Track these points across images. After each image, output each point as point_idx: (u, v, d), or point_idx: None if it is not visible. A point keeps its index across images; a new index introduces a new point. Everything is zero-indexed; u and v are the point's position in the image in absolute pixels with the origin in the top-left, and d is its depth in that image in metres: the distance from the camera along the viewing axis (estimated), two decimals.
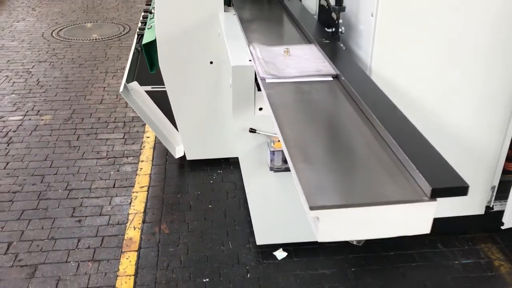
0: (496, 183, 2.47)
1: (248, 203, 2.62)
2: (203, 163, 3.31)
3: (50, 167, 3.28)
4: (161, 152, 3.48)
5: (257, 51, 2.01)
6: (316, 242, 1.75)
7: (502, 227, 2.44)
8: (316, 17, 2.55)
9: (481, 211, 2.54)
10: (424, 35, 2.03)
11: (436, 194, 1.11)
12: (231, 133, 3.03)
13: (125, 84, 3.07)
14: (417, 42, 2.05)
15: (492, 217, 2.53)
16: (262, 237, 2.52)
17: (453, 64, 2.12)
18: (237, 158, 3.19)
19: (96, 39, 5.82)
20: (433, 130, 2.22)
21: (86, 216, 2.82)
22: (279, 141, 1.66)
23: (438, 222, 2.44)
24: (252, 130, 2.18)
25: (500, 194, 2.50)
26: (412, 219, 1.14)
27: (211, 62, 2.92)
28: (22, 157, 3.39)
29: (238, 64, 2.02)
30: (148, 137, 3.67)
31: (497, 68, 2.15)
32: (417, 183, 1.17)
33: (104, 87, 4.51)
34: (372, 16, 2.01)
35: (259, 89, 2.03)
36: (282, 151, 2.16)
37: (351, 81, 1.70)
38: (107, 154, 3.46)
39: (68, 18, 6.68)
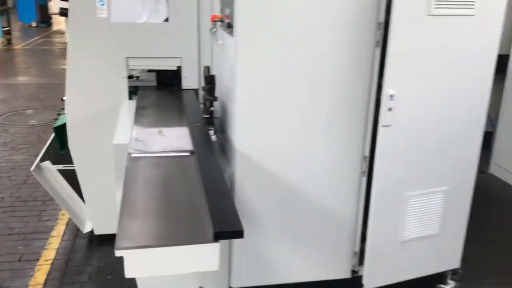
0: (357, 248, 2.81)
1: None
2: (111, 237, 3.51)
3: None
4: (73, 228, 3.67)
5: (134, 132, 2.37)
6: None
7: None
8: (202, 105, 2.97)
9: (347, 275, 2.85)
10: (278, 118, 2.46)
11: (217, 236, 1.42)
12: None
13: (37, 163, 3.34)
14: (272, 125, 2.46)
15: (358, 280, 2.83)
16: None
17: (305, 141, 2.53)
18: None
19: (33, 125, 6.11)
20: (300, 201, 2.60)
21: None
22: None
23: (312, 286, 2.76)
24: None
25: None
26: (200, 258, 1.44)
27: None
28: None
29: (118, 142, 2.37)
30: (63, 214, 3.87)
31: (345, 145, 2.58)
32: (209, 231, 1.49)
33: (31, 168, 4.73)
34: (233, 104, 2.44)
35: None
36: None
37: (201, 158, 2.07)
38: (19, 230, 3.62)
39: (10, 105, 6.99)
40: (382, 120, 2.45)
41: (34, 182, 4.44)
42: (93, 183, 3.32)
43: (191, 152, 2.17)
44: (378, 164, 2.52)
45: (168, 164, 2.05)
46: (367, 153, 2.62)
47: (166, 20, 3.11)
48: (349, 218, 2.75)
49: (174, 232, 1.47)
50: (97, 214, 3.44)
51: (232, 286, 2.72)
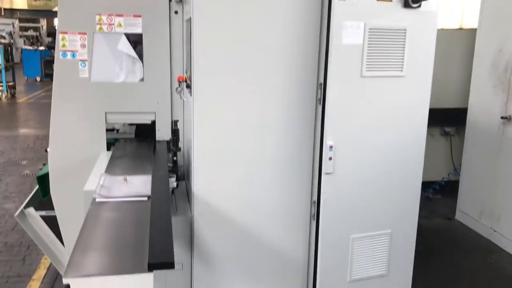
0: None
1: None
2: None
3: None
4: (53, 271, 3.89)
5: (101, 179, 2.66)
6: None
7: None
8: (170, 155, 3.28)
9: None
10: (232, 167, 2.76)
11: (151, 267, 1.68)
12: None
13: (22, 210, 3.61)
14: (227, 173, 2.76)
15: None
16: None
17: (258, 187, 2.81)
18: None
19: (26, 175, 6.42)
20: (255, 242, 2.86)
21: None
22: None
23: None
24: None
25: None
26: (139, 285, 1.70)
27: None
28: None
29: (87, 189, 2.65)
30: (45, 259, 4.10)
31: (295, 191, 2.87)
32: (145, 262, 1.75)
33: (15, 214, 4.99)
34: (192, 154, 2.75)
35: None
36: None
37: (155, 202, 2.35)
38: (2, 274, 3.85)
39: (6, 156, 7.33)
40: (324, 168, 2.74)
41: (22, 229, 4.70)
42: (72, 228, 3.56)
43: (149, 197, 2.46)
44: (323, 208, 2.80)
45: (126, 208, 2.33)
46: (315, 198, 2.90)
47: (142, 79, 3.47)
48: (301, 259, 3.00)
49: (116, 264, 1.73)
50: None
51: None
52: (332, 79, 2.65)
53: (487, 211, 4.63)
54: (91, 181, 2.79)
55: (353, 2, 2.59)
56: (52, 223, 3.79)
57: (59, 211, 3.55)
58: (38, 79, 17.57)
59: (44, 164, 4.00)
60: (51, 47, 20.63)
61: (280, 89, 2.74)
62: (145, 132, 3.85)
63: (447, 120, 5.48)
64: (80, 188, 3.49)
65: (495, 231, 4.52)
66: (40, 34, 31.03)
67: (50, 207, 3.67)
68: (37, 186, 4.06)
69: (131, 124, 3.97)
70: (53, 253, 3.73)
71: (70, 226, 3.56)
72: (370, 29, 2.64)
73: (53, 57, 3.42)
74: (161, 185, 2.61)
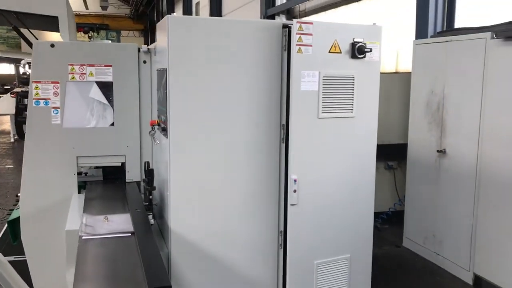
0: None
1: None
2: None
3: None
4: None
5: (83, 219, 2.83)
6: None
7: None
8: (142, 195, 3.47)
9: None
10: (205, 202, 3.00)
11: None
12: None
13: None
14: (200, 208, 3.00)
15: None
16: None
17: (229, 220, 3.07)
18: None
19: None
20: (227, 271, 3.08)
21: None
22: None
23: None
24: None
25: None
26: None
27: None
28: None
29: (69, 228, 2.80)
30: None
31: (263, 222, 3.14)
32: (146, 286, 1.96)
33: None
34: (168, 192, 2.97)
35: None
36: None
37: (140, 236, 2.55)
38: None
39: None
40: (289, 200, 3.05)
41: None
42: (43, 271, 3.64)
43: (132, 233, 2.65)
44: (289, 237, 3.08)
45: (113, 244, 2.51)
46: (281, 228, 3.19)
47: (112, 124, 3.68)
48: (271, 284, 3.24)
49: None
50: None
51: None
52: (294, 120, 3.00)
53: (430, 236, 5.08)
54: (70, 222, 2.94)
55: (309, 54, 2.98)
56: (20, 268, 3.82)
57: (30, 255, 3.61)
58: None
59: (11, 210, 4.05)
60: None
61: (247, 130, 3.06)
62: (112, 174, 4.03)
63: (390, 155, 5.98)
64: (53, 232, 3.61)
65: (438, 254, 4.96)
66: None
67: (20, 252, 3.73)
68: (2, 232, 4.10)
69: (97, 167, 4.13)
70: None
71: (41, 269, 3.63)
72: (324, 76, 3.04)
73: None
74: (142, 221, 2.81)
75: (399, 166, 6.16)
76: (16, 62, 19.68)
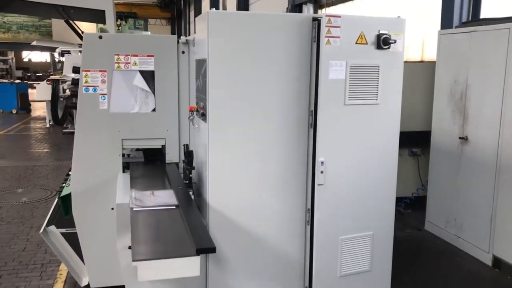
0: (306, 284, 3.56)
1: None
2: None
3: None
4: (71, 284, 4.29)
5: (132, 193, 3.16)
6: None
7: None
8: (182, 174, 3.80)
9: None
10: (240, 182, 3.30)
11: (198, 252, 2.20)
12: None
13: (44, 228, 4.03)
14: (237, 187, 3.30)
15: None
16: None
17: (262, 199, 3.36)
18: None
19: (25, 202, 6.76)
20: (259, 246, 3.38)
21: None
22: None
23: None
24: (131, 247, 3.20)
25: None
26: (187, 266, 2.21)
27: (112, 208, 4.00)
28: None
29: (120, 202, 3.14)
30: (61, 274, 4.49)
31: (292, 201, 3.42)
32: (193, 248, 2.27)
33: (28, 239, 5.37)
34: (207, 171, 3.28)
35: None
36: None
37: (184, 208, 2.87)
38: (25, 287, 4.22)
39: (1, 186, 7.63)
40: (316, 180, 3.32)
41: (33, 249, 5.09)
42: (92, 243, 4.01)
43: (176, 206, 2.97)
44: (316, 214, 3.36)
45: (160, 215, 2.84)
46: (309, 206, 3.47)
47: (154, 110, 4.00)
48: (298, 259, 3.53)
49: (169, 251, 2.24)
50: (94, 270, 4.09)
51: None
52: (322, 107, 3.26)
53: (451, 220, 5.28)
54: (120, 197, 3.28)
55: (337, 45, 3.23)
56: (71, 239, 4.22)
57: (80, 228, 3.99)
58: (14, 111, 17.78)
59: (61, 187, 4.44)
60: (23, 79, 20.92)
61: (279, 116, 3.33)
62: (151, 156, 4.37)
63: (414, 142, 6.18)
64: (101, 207, 3.98)
65: (459, 237, 5.17)
66: (10, 66, 31.07)
67: (70, 224, 4.12)
68: (53, 207, 4.50)
69: (137, 150, 4.49)
70: (71, 266, 4.14)
71: (90, 241, 4.01)
72: (350, 66, 3.28)
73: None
74: (184, 196, 3.14)
75: (422, 152, 6.35)
76: (51, 50, 20.39)
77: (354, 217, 3.50)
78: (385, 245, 3.67)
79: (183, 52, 4.02)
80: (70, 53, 14.82)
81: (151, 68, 3.97)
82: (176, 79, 4.03)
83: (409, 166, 6.34)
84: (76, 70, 4.27)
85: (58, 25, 29.24)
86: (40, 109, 18.75)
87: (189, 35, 3.95)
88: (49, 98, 13.23)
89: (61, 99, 13.10)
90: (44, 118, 15.44)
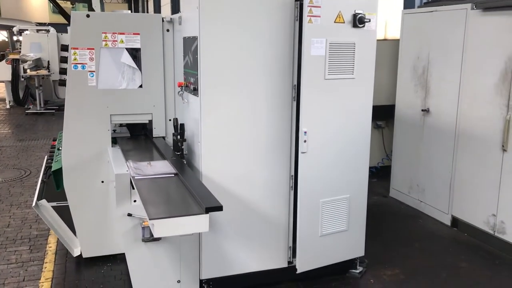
0: (290, 244, 3.89)
1: (129, 270, 3.68)
2: (96, 259, 4.35)
3: None
4: (62, 255, 4.45)
5: (130, 164, 3.37)
6: None
7: (297, 272, 3.80)
8: (172, 147, 4.01)
9: (284, 264, 3.91)
10: (230, 151, 3.56)
11: (207, 210, 2.47)
12: (117, 233, 4.17)
13: (36, 202, 4.17)
14: (227, 156, 3.56)
15: (293, 269, 3.88)
16: None
17: (250, 166, 3.64)
18: (123, 254, 4.30)
19: (0, 181, 6.77)
20: (247, 210, 3.66)
21: None
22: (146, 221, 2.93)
23: (260, 275, 3.75)
24: (129, 215, 3.42)
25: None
26: (198, 223, 2.47)
27: (102, 181, 4.18)
28: None
29: (119, 172, 3.34)
30: (50, 247, 4.64)
31: (277, 168, 3.72)
32: (202, 208, 2.53)
33: (10, 216, 5.45)
34: (199, 143, 3.52)
35: (133, 188, 3.33)
36: (149, 227, 3.40)
37: (183, 175, 3.11)
38: (16, 260, 4.36)
39: None
40: (300, 149, 3.63)
41: (17, 225, 5.19)
42: (83, 214, 4.19)
43: (175, 174, 3.21)
44: (300, 180, 3.68)
45: (162, 181, 3.07)
46: (292, 173, 3.78)
47: (141, 86, 4.18)
48: (283, 221, 3.85)
49: (182, 210, 2.49)
50: (86, 240, 4.28)
51: (201, 278, 3.69)
52: (304, 81, 3.55)
53: (414, 186, 5.75)
54: (117, 168, 3.47)
55: (318, 24, 3.50)
56: (61, 212, 4.37)
57: (72, 201, 4.15)
58: None
59: (50, 162, 4.56)
60: None
61: (264, 89, 3.59)
62: (136, 131, 4.57)
63: (378, 115, 6.56)
64: (91, 180, 4.15)
65: (421, 201, 5.65)
66: None
67: (60, 199, 4.28)
68: (39, 183, 4.62)
69: (121, 125, 4.66)
70: (63, 238, 4.31)
71: (81, 213, 4.19)
72: (330, 43, 3.57)
73: None
74: (180, 165, 3.37)
75: (386, 125, 6.79)
76: (3, 28, 19.65)
77: (333, 181, 3.84)
78: (360, 207, 4.05)
79: (167, 30, 4.19)
80: (28, 32, 14.43)
81: (137, 45, 4.13)
82: (161, 56, 4.21)
83: (374, 138, 6.73)
84: (64, 48, 4.36)
85: (7, 2, 28.05)
86: None
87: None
88: (9, 78, 12.93)
89: (22, 79, 12.84)
90: (3, 99, 15.01)
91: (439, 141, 5.32)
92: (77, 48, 3.99)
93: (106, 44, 4.04)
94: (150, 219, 2.37)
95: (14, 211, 5.62)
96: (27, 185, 6.63)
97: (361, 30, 3.68)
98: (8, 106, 13.78)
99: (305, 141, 3.61)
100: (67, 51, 4.03)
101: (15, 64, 12.66)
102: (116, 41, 4.08)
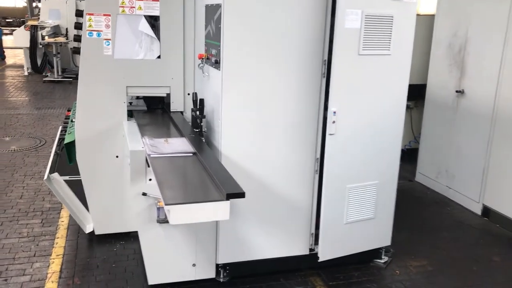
0: (313, 230, 3.67)
1: (142, 251, 3.51)
2: (109, 236, 4.19)
3: None
4: (74, 231, 4.31)
5: (146, 140, 3.15)
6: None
7: (319, 260, 3.58)
8: (190, 123, 3.77)
9: (306, 252, 3.69)
10: (252, 131, 3.31)
11: (228, 197, 2.23)
12: (131, 211, 3.98)
13: (48, 175, 4.00)
14: (248, 136, 3.31)
15: (315, 256, 3.66)
16: (153, 278, 3.41)
17: (272, 148, 3.39)
18: (135, 232, 4.13)
19: (14, 150, 6.64)
20: (269, 194, 3.43)
21: (12, 276, 3.55)
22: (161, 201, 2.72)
23: (279, 262, 3.55)
24: (144, 194, 3.21)
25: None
26: (218, 211, 2.24)
27: (117, 156, 3.98)
28: None
29: (134, 149, 3.13)
30: (62, 221, 4.50)
31: (302, 150, 3.47)
32: (222, 194, 2.29)
33: (24, 187, 5.32)
34: (219, 120, 3.27)
35: (148, 166, 3.12)
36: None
37: (202, 155, 2.88)
38: (27, 234, 4.22)
39: None
40: (328, 130, 3.36)
41: (30, 197, 5.05)
42: (96, 190, 4.01)
43: (194, 153, 2.98)
44: (326, 163, 3.42)
45: (179, 161, 2.84)
46: (318, 155, 3.52)
47: (159, 57, 3.92)
48: (306, 207, 3.62)
49: (201, 195, 2.26)
50: (98, 217, 4.11)
51: (218, 262, 3.49)
52: (337, 56, 3.25)
53: (443, 171, 5.45)
54: (132, 143, 3.26)
55: None
56: (73, 187, 4.20)
57: (84, 175, 3.97)
58: None
59: (63, 134, 4.37)
60: None
61: (292, 64, 3.31)
62: (153, 104, 4.34)
63: (408, 95, 6.22)
64: (105, 155, 3.96)
65: (449, 188, 5.35)
66: None
67: (73, 172, 4.10)
68: (52, 155, 4.45)
69: (138, 98, 4.44)
70: (75, 213, 4.15)
71: (94, 188, 4.01)
72: (366, 15, 3.25)
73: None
74: (199, 144, 3.14)
75: (415, 105, 6.44)
76: None
77: (362, 167, 3.58)
78: (389, 194, 3.79)
79: None
80: None
81: (156, 13, 3.86)
82: (181, 26, 3.94)
83: None
84: (79, 13, 4.10)
85: None
86: (14, 57, 18.07)
87: None
88: (27, 45, 12.78)
89: (40, 46, 12.67)
90: (21, 66, 14.92)
91: (473, 125, 4.99)
92: (92, 14, 3.73)
93: (123, 11, 3.78)
94: (166, 205, 2.15)
95: (28, 181, 5.49)
96: (41, 155, 6.49)
97: (400, 2, 3.36)
98: (26, 73, 13.68)
99: (333, 121, 3.34)
100: (82, 17, 3.79)
101: (34, 31, 12.48)
102: (134, 7, 3.81)
